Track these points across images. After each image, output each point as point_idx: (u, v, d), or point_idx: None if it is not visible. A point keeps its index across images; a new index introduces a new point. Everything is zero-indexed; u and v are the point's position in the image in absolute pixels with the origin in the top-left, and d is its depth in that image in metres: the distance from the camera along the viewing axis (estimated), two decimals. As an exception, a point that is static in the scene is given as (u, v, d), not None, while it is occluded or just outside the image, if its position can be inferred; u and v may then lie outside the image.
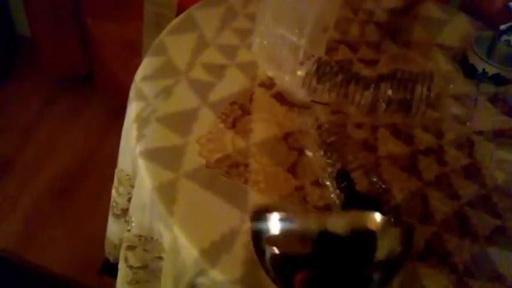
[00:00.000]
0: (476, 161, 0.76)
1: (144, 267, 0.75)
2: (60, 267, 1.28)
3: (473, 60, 0.86)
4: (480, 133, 0.80)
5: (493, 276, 0.64)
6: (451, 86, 0.84)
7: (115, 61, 1.42)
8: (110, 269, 0.93)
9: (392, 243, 0.47)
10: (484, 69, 0.85)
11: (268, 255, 0.46)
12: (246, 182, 0.67)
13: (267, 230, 0.47)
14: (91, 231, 1.25)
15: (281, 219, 0.47)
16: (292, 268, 0.44)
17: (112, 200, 0.84)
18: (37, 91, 1.67)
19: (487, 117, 0.82)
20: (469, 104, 0.83)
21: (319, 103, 0.77)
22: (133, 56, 1.30)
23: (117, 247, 0.91)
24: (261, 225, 0.47)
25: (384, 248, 0.47)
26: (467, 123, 0.80)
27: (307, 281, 0.42)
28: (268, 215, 0.46)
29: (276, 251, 0.45)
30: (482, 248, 0.66)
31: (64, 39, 1.52)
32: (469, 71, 0.87)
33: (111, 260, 0.99)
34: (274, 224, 0.47)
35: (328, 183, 0.68)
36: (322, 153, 0.71)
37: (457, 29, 0.96)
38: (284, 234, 0.46)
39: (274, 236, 0.46)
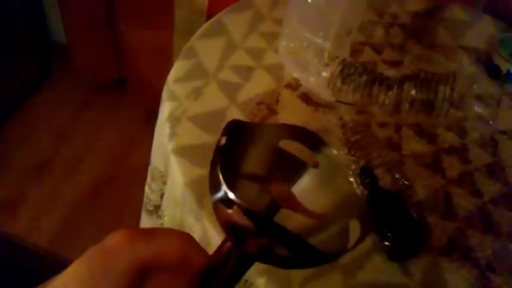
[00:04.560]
0: (499, 160, 0.77)
1: (175, 260, 0.78)
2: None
3: (498, 61, 0.87)
4: (504, 132, 0.81)
5: (515, 271, 0.65)
6: (475, 86, 0.86)
7: (146, 66, 1.47)
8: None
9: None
10: (508, 70, 0.86)
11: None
12: (272, 178, 0.70)
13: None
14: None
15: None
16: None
17: (145, 196, 0.88)
18: (72, 95, 1.73)
19: (511, 117, 0.83)
20: (493, 103, 0.84)
21: (344, 103, 0.79)
22: (165, 61, 1.34)
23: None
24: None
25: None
26: (491, 123, 0.81)
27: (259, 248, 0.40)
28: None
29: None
30: (505, 243, 0.67)
31: (98, 45, 1.58)
32: (494, 72, 0.88)
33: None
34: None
35: (352, 179, 0.70)
36: (346, 151, 0.73)
37: (482, 31, 0.97)
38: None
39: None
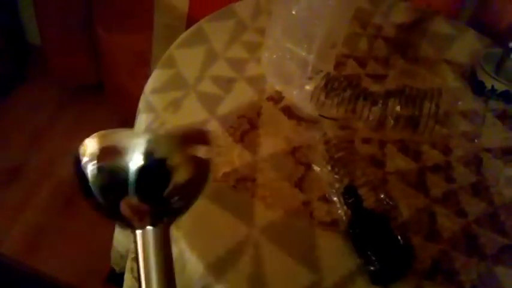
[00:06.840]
0: (484, 179, 0.76)
1: (150, 279, 0.75)
2: (65, 275, 1.28)
3: (482, 77, 0.86)
4: (488, 150, 0.80)
5: (500, 296, 0.63)
6: (460, 103, 0.84)
7: (124, 71, 1.43)
8: (115, 279, 0.93)
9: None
10: (493, 86, 0.85)
11: (90, 174, 0.41)
12: (253, 196, 0.68)
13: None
14: (97, 240, 1.25)
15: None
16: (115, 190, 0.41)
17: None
18: (47, 99, 1.68)
19: (496, 135, 0.82)
20: (478, 121, 0.83)
21: (327, 118, 0.77)
22: (143, 66, 1.31)
23: (123, 257, 0.91)
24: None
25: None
26: (476, 140, 0.80)
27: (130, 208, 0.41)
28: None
29: (96, 164, 0.41)
30: (490, 267, 0.66)
31: (74, 48, 1.54)
32: (478, 88, 0.87)
33: (117, 270, 1.00)
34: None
35: (335, 198, 0.68)
36: (329, 168, 0.71)
37: (466, 45, 0.96)
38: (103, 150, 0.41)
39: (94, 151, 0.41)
